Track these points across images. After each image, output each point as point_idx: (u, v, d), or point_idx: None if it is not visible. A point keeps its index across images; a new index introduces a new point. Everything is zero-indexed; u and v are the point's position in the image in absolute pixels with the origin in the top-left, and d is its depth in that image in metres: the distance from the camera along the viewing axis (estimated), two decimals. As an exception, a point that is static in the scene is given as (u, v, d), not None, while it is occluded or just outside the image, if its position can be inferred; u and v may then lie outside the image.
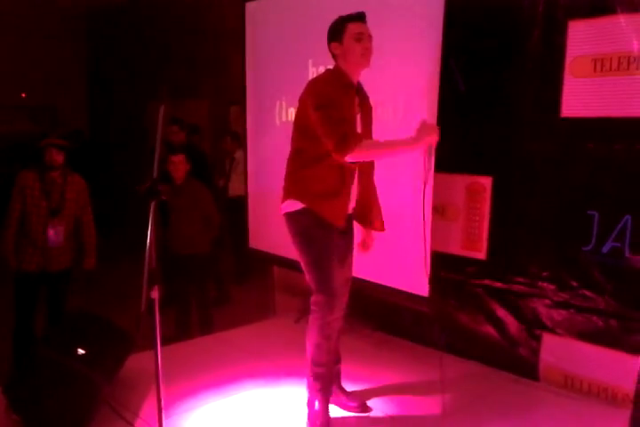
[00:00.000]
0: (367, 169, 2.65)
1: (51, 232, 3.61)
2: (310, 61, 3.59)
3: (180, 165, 4.09)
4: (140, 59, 8.41)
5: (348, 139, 2.32)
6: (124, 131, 7.52)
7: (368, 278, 3.42)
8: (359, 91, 2.60)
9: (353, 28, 2.47)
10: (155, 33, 8.13)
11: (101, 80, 9.11)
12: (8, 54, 8.21)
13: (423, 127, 2.30)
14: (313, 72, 3.55)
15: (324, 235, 2.51)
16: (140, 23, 8.39)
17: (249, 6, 4.08)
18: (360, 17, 2.50)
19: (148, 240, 2.20)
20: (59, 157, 3.63)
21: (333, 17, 3.41)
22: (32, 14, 8.43)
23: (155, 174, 2.29)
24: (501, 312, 3.23)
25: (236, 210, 4.73)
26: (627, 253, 2.68)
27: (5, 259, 3.65)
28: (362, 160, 2.48)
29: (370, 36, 2.48)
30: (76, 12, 8.78)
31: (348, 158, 2.34)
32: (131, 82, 8.55)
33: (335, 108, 2.39)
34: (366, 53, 2.47)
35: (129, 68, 8.59)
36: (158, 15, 8.04)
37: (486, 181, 3.18)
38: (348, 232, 2.71)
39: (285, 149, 3.74)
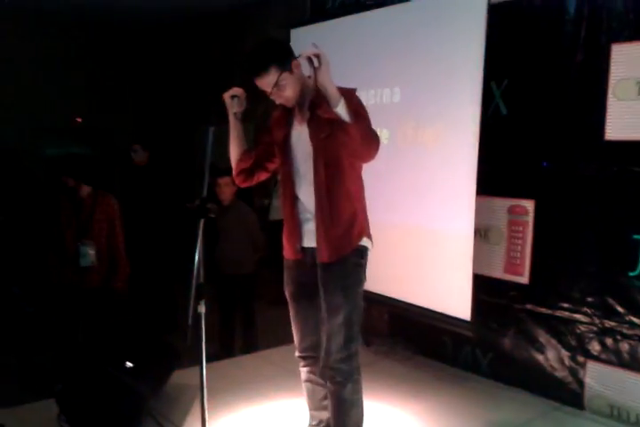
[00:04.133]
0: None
1: (82, 251, 3.71)
2: (352, 85, 3.66)
3: (226, 187, 4.18)
4: (188, 83, 8.70)
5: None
6: (172, 153, 7.74)
7: (409, 300, 3.42)
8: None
9: (256, 84, 2.28)
10: (203, 58, 8.41)
11: (151, 103, 9.43)
12: (59, 79, 8.59)
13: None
14: (359, 95, 3.62)
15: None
16: (188, 48, 8.70)
17: (294, 32, 4.21)
18: (250, 74, 2.25)
19: (197, 256, 2.28)
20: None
21: (377, 42, 3.53)
22: (83, 39, 8.81)
23: (204, 193, 2.37)
24: (545, 338, 3.18)
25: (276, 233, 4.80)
26: (674, 280, 2.63)
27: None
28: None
29: (275, 88, 2.23)
30: (126, 36, 9.13)
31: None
32: (180, 105, 8.84)
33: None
34: (279, 102, 2.32)
35: (178, 92, 8.89)
36: (206, 40, 8.32)
37: (529, 204, 3.17)
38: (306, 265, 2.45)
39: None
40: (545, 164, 3.07)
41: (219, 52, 8.05)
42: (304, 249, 2.41)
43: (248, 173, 2.55)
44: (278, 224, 5.26)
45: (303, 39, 4.11)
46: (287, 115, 2.43)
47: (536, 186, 3.13)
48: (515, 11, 3.10)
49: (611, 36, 2.74)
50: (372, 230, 2.44)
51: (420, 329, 3.75)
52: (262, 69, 2.19)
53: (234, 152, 2.54)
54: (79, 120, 8.86)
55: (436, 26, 3.18)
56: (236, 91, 2.40)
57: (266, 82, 2.22)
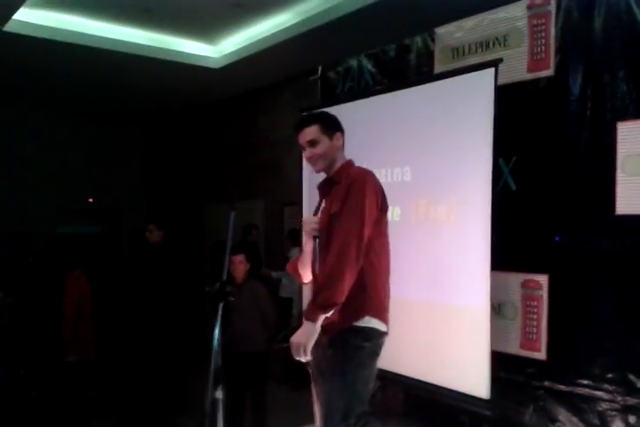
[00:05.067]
0: None
1: None
2: (364, 166, 3.77)
3: (240, 265, 4.19)
4: (197, 161, 8.95)
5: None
6: (183, 232, 7.83)
7: (424, 379, 3.35)
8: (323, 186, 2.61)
9: (299, 138, 2.52)
10: (215, 139, 8.69)
11: (160, 182, 9.64)
12: (73, 163, 8.85)
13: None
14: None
15: None
16: (201, 129, 9.00)
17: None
18: (294, 127, 2.53)
19: (215, 340, 2.28)
20: None
21: (386, 124, 3.67)
22: (93, 118, 9.15)
23: (224, 276, 2.41)
24: (565, 416, 3.07)
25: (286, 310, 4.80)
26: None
27: None
28: None
29: (309, 142, 2.47)
30: (137, 120, 9.48)
31: None
32: (188, 185, 9.04)
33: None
34: (310, 159, 2.52)
35: (190, 172, 9.11)
36: (219, 122, 8.64)
37: (543, 279, 3.17)
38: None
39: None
40: (557, 238, 3.09)
41: (231, 134, 8.34)
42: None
43: None
44: (287, 302, 5.27)
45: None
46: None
47: (549, 260, 3.14)
48: (521, 91, 3.22)
49: (615, 115, 2.84)
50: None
51: (436, 408, 3.64)
52: (306, 124, 2.49)
53: (304, 270, 2.58)
54: (90, 201, 9.05)
55: (443, 107, 3.31)
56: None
57: (305, 134, 2.48)
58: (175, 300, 4.79)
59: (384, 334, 2.42)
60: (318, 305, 2.23)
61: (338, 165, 2.54)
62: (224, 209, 2.67)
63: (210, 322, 2.47)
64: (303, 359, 2.25)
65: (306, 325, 2.25)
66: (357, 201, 2.34)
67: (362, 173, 2.49)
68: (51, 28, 5.71)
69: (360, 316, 2.35)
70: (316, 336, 2.24)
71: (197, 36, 6.32)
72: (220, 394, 2.29)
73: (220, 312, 2.40)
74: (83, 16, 5.73)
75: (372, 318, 2.36)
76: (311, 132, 2.47)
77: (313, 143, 2.47)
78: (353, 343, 2.32)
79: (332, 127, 2.53)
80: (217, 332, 2.35)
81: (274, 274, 5.95)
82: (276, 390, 5.35)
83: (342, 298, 2.24)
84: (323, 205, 2.56)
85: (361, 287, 2.34)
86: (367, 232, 2.33)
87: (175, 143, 9.47)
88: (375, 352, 2.38)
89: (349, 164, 2.59)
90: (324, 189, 2.58)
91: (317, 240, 2.46)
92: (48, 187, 8.58)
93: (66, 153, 8.82)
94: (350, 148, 3.86)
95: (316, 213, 2.59)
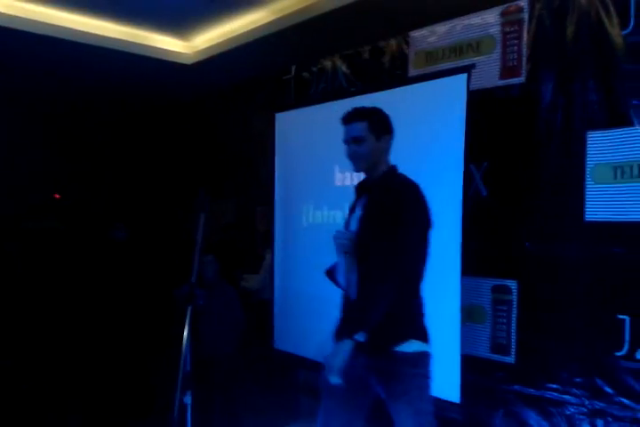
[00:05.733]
0: None
1: None
2: (337, 168, 3.76)
3: (209, 266, 4.16)
4: (167, 159, 8.83)
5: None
6: (152, 230, 7.73)
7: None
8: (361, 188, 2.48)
9: (344, 131, 2.37)
10: (182, 133, 8.59)
11: (128, 179, 9.49)
12: (43, 154, 8.66)
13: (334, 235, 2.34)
14: (339, 178, 3.71)
15: None
16: (169, 126, 8.88)
17: (278, 116, 4.35)
18: (344, 119, 2.36)
19: (184, 344, 2.24)
20: None
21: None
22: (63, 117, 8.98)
23: (193, 279, 2.37)
24: (535, 420, 3.12)
25: (262, 310, 4.74)
26: (662, 360, 2.64)
27: None
28: None
29: (356, 139, 2.31)
30: (107, 116, 9.32)
31: None
32: (159, 183, 8.92)
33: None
34: (351, 157, 2.35)
35: (156, 168, 8.99)
36: (187, 116, 8.53)
37: (512, 284, 3.20)
38: None
39: (311, 250, 3.87)
40: (527, 244, 3.12)
41: (202, 131, 8.25)
42: None
43: None
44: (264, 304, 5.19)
45: (288, 122, 4.25)
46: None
47: (519, 266, 3.18)
48: (493, 97, 3.25)
49: (585, 124, 2.88)
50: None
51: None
52: (355, 118, 2.32)
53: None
54: (57, 196, 8.86)
55: (416, 110, 3.31)
56: None
57: (352, 129, 2.32)
58: (138, 300, 4.74)
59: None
60: (354, 326, 2.14)
61: (381, 169, 2.37)
62: (196, 209, 2.61)
63: (177, 325, 2.43)
64: (334, 380, 2.12)
65: (339, 345, 2.13)
66: (408, 220, 2.21)
67: (411, 185, 2.32)
68: (17, 17, 5.52)
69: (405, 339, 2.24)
70: (348, 357, 2.10)
71: (170, 31, 6.20)
72: (188, 399, 2.25)
73: (188, 316, 2.37)
74: (47, 5, 5.57)
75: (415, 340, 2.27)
76: (359, 128, 2.30)
77: (358, 140, 2.30)
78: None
79: (382, 127, 2.35)
80: (185, 336, 2.31)
81: (244, 282, 5.89)
82: (249, 393, 5.32)
83: (379, 320, 2.13)
84: (359, 211, 2.37)
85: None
86: (413, 254, 2.24)
87: (145, 139, 9.31)
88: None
89: (394, 169, 2.42)
90: (362, 191, 2.44)
91: (347, 256, 2.29)
92: (14, 181, 8.38)
93: (32, 147, 8.62)
94: (323, 149, 3.88)
95: (349, 218, 2.42)
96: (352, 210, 2.45)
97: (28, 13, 5.59)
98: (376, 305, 2.12)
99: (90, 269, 4.93)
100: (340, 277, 2.40)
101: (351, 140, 2.32)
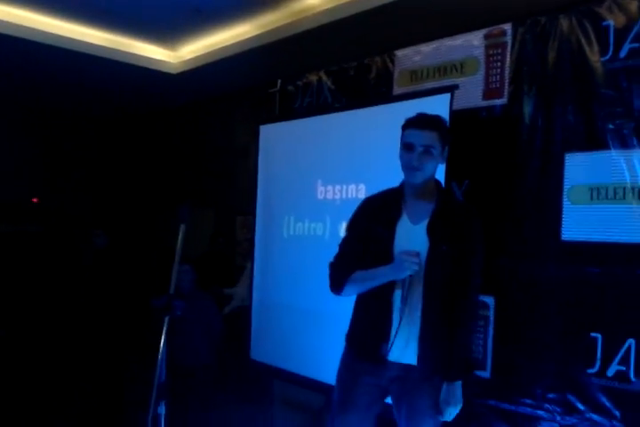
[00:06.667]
0: None
1: None
2: (319, 181, 3.80)
3: (185, 275, 4.15)
4: (149, 167, 8.80)
5: (331, 276, 2.33)
6: (132, 237, 7.68)
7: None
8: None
9: (406, 135, 2.21)
10: (165, 142, 8.58)
11: (109, 186, 9.43)
12: (23, 158, 8.57)
13: (402, 257, 2.12)
14: (321, 191, 3.75)
15: None
16: (151, 132, 8.87)
17: (263, 128, 4.38)
18: (417, 122, 2.18)
19: (160, 354, 2.24)
20: None
21: (343, 141, 3.71)
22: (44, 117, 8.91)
23: (171, 290, 2.37)
24: (509, 435, 3.16)
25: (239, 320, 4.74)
26: (632, 378, 2.69)
27: None
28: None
29: (427, 148, 2.13)
30: (90, 121, 9.28)
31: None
32: (139, 190, 8.87)
33: (348, 233, 2.38)
34: (411, 167, 2.16)
35: (138, 176, 8.96)
36: (170, 125, 8.53)
37: (489, 300, 3.25)
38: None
39: (292, 261, 3.88)
40: (505, 261, 3.18)
41: (184, 141, 8.25)
42: None
43: None
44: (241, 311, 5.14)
45: (272, 134, 4.28)
46: (390, 205, 2.30)
47: (496, 282, 3.22)
48: (475, 117, 3.31)
49: (564, 145, 2.95)
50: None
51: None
52: (430, 126, 2.15)
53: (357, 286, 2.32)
54: (35, 200, 8.78)
55: (400, 128, 3.36)
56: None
57: (425, 137, 2.14)
58: (116, 307, 4.71)
59: None
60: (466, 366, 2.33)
61: (432, 183, 2.28)
62: (173, 216, 2.61)
63: (152, 334, 2.43)
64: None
65: (456, 386, 2.26)
66: (481, 249, 2.29)
67: (473, 209, 2.35)
68: (2, 21, 5.52)
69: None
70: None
71: (156, 40, 6.23)
72: (162, 409, 2.25)
73: (165, 326, 2.37)
74: (37, 12, 5.57)
75: None
76: (432, 136, 2.14)
77: (428, 150, 2.14)
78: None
79: (447, 140, 2.21)
80: (162, 345, 2.31)
81: (226, 291, 5.88)
82: (224, 404, 5.29)
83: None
84: (404, 220, 2.24)
85: None
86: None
87: (128, 147, 9.29)
88: None
89: (440, 184, 2.37)
90: (410, 202, 2.28)
91: (410, 278, 2.15)
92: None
93: (12, 150, 8.54)
94: (306, 163, 3.91)
95: (391, 226, 2.23)
96: (391, 221, 2.25)
97: (13, 18, 5.58)
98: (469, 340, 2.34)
99: (68, 273, 4.90)
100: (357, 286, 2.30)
101: (422, 149, 2.14)
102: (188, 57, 6.42)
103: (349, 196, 3.63)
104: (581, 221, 2.88)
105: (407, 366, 2.25)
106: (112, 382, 4.77)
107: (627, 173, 2.75)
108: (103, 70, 6.52)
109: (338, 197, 3.66)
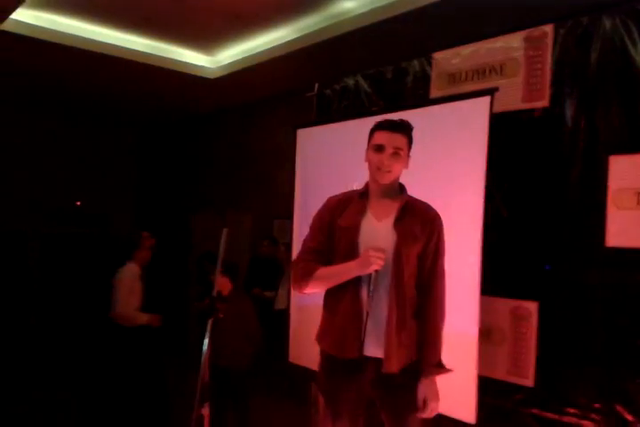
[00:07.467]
0: None
1: None
2: (356, 184, 3.78)
3: (225, 277, 4.18)
4: (188, 171, 8.93)
5: (294, 272, 2.37)
6: (168, 241, 7.80)
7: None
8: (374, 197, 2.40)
9: (377, 137, 2.29)
10: (204, 147, 8.69)
11: (150, 190, 9.60)
12: (65, 162, 8.81)
13: (368, 252, 2.17)
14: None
15: None
16: (190, 137, 8.99)
17: (300, 132, 4.39)
18: (387, 125, 2.28)
19: (204, 356, 2.27)
20: None
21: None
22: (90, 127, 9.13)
23: (214, 293, 2.40)
24: (553, 444, 3.09)
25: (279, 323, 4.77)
26: (683, 389, 2.61)
27: None
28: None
29: (396, 151, 2.25)
30: (129, 126, 9.46)
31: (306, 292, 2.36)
32: (177, 194, 9.01)
33: (311, 230, 2.44)
34: (382, 168, 2.26)
35: (177, 180, 9.09)
36: (209, 130, 8.64)
37: (532, 306, 3.19)
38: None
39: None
40: (547, 267, 3.12)
41: (222, 145, 8.34)
42: None
43: None
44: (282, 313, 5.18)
45: (309, 138, 4.28)
46: (355, 204, 2.38)
47: (539, 288, 3.16)
48: (515, 120, 3.25)
49: (608, 148, 2.88)
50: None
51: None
52: (401, 129, 2.29)
53: (321, 283, 2.37)
54: (78, 204, 9.01)
55: (438, 132, 3.33)
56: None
57: (396, 139, 2.26)
58: (158, 309, 4.77)
59: None
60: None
61: (397, 184, 2.41)
62: (212, 220, 2.65)
63: (195, 337, 2.47)
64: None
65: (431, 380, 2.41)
66: (444, 248, 2.43)
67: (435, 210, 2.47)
68: (47, 29, 5.67)
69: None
70: None
71: (195, 46, 6.32)
72: (206, 411, 2.28)
73: (209, 329, 2.40)
74: (81, 19, 5.71)
75: None
76: (402, 140, 2.27)
77: (397, 153, 2.25)
78: None
79: (410, 147, 2.35)
80: (205, 348, 2.34)
81: (267, 294, 5.94)
82: (262, 406, 5.33)
83: None
84: (368, 218, 2.32)
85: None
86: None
87: (167, 151, 9.44)
88: None
89: (403, 185, 2.46)
90: (373, 201, 2.38)
91: (376, 274, 2.21)
92: (36, 188, 8.53)
93: (56, 155, 8.78)
94: (341, 167, 3.91)
95: (356, 223, 2.31)
96: (356, 218, 2.33)
97: (57, 26, 5.72)
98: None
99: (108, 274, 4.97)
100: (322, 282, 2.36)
101: (392, 151, 2.25)
102: (226, 62, 6.49)
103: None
104: (627, 227, 2.80)
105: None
106: (156, 384, 4.85)
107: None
108: (143, 76, 6.64)
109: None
